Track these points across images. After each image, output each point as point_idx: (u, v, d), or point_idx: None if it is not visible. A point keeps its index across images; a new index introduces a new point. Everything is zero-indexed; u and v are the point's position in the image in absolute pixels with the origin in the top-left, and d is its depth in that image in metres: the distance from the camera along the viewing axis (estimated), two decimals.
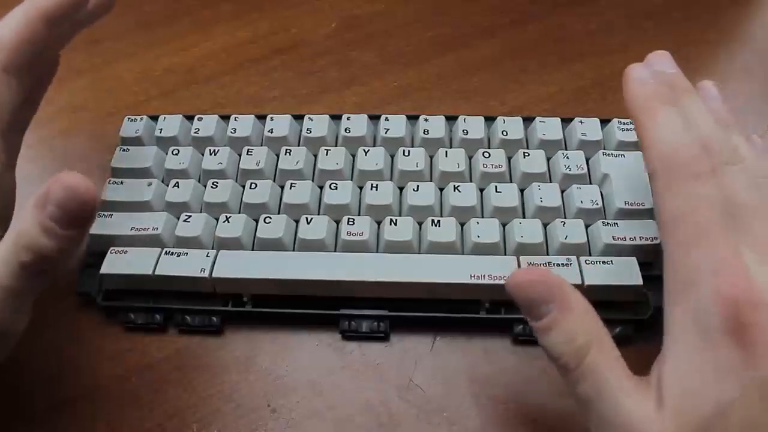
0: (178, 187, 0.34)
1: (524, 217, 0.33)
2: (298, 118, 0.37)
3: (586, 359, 0.23)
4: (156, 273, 0.31)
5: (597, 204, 0.33)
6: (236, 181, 0.35)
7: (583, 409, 0.24)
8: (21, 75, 0.27)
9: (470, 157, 0.36)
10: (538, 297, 0.24)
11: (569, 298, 0.24)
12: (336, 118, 0.37)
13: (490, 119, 0.37)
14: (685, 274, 0.23)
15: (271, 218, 0.33)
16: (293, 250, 0.32)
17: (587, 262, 0.31)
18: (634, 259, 0.31)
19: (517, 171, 0.35)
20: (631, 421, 0.22)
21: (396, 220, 0.33)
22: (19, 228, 0.22)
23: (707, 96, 0.27)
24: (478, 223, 0.32)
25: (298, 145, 0.36)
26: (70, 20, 0.29)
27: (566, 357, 0.23)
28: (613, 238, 0.31)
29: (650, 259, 0.31)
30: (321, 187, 0.34)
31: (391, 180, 0.35)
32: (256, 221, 0.33)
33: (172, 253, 0.32)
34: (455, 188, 0.34)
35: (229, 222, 0.33)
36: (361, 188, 0.34)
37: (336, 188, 0.34)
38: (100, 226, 0.33)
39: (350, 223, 0.32)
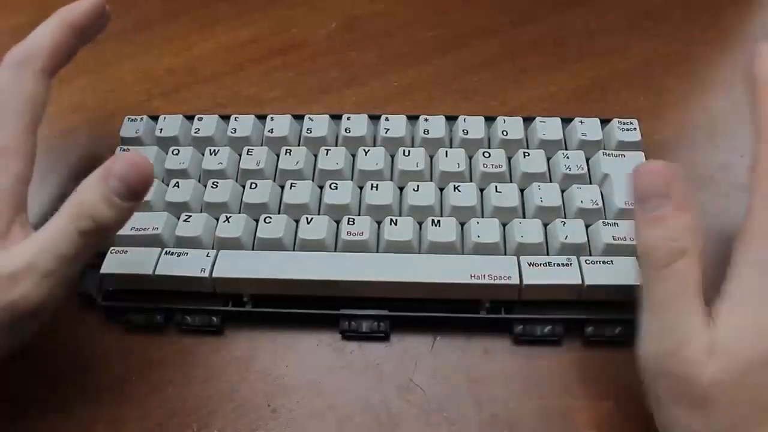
0: (178, 187, 0.34)
1: (524, 217, 0.33)
2: (298, 118, 0.37)
3: (676, 264, 0.23)
4: (156, 273, 0.31)
5: (597, 204, 0.33)
6: (236, 181, 0.35)
7: (646, 312, 0.24)
8: (52, 77, 0.31)
9: (470, 157, 0.36)
10: (659, 189, 0.24)
11: (686, 202, 0.24)
12: (336, 118, 0.37)
13: (490, 119, 0.37)
14: (763, 223, 0.23)
15: (271, 218, 0.33)
16: (293, 250, 0.32)
17: (587, 262, 0.31)
18: (634, 259, 0.31)
19: (517, 171, 0.35)
20: (690, 341, 0.23)
21: (396, 220, 0.33)
22: (80, 198, 0.25)
23: None
24: (478, 223, 0.32)
25: (299, 145, 0.36)
26: (92, 30, 0.33)
27: (662, 252, 0.24)
28: (613, 238, 0.31)
29: None
30: (321, 187, 0.34)
31: (391, 180, 0.35)
32: (256, 221, 0.33)
33: (172, 253, 0.32)
34: (455, 188, 0.34)
35: (229, 222, 0.33)
36: (361, 188, 0.34)
37: (336, 188, 0.34)
38: None
39: (350, 223, 0.32)
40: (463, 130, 0.36)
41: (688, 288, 0.23)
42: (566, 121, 0.37)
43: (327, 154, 0.35)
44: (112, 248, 0.32)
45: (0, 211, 0.26)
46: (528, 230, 0.32)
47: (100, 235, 0.26)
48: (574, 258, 0.31)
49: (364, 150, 0.35)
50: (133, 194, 0.26)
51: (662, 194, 0.24)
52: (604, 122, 0.36)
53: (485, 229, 0.32)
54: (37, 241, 0.25)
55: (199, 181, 0.35)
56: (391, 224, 0.32)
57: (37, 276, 0.24)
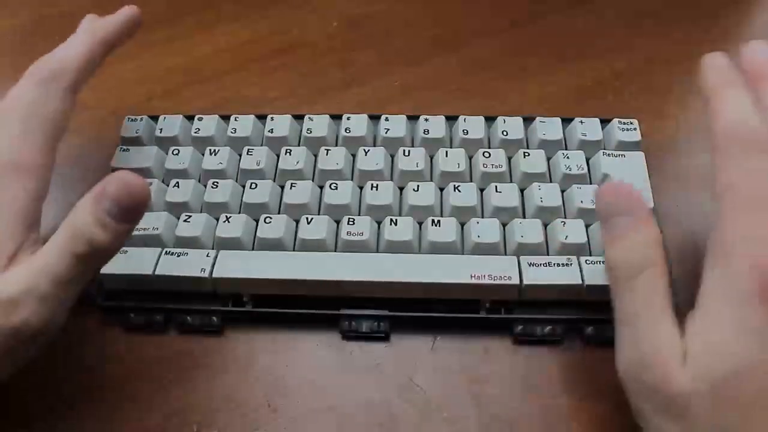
0: (178, 187, 0.34)
1: (524, 217, 0.33)
2: (299, 118, 0.37)
3: (642, 275, 0.24)
4: (156, 273, 0.31)
5: None
6: (236, 181, 0.35)
7: (619, 325, 0.25)
8: (78, 93, 0.31)
9: (470, 157, 0.36)
10: (619, 206, 0.26)
11: (646, 217, 0.26)
12: (336, 118, 0.37)
13: (490, 119, 0.37)
14: (729, 238, 0.23)
15: (271, 218, 0.33)
16: (293, 250, 0.32)
17: (587, 262, 0.31)
18: None
19: (517, 171, 0.35)
20: (660, 349, 0.23)
21: (396, 220, 0.33)
22: (74, 220, 0.24)
23: None
24: (478, 223, 0.32)
25: (299, 145, 0.36)
26: (122, 41, 0.33)
27: (627, 266, 0.25)
28: None
29: None
30: (321, 187, 0.34)
31: (391, 180, 0.35)
32: (257, 221, 0.33)
33: (172, 253, 0.32)
34: (455, 188, 0.34)
35: (229, 222, 0.33)
36: (361, 188, 0.34)
37: (336, 188, 0.34)
38: None
39: (350, 223, 0.32)
40: (463, 130, 0.36)
41: (654, 299, 0.24)
42: (566, 121, 0.37)
43: (327, 154, 0.35)
44: None
45: (12, 231, 0.26)
46: (528, 230, 0.32)
47: (98, 258, 0.25)
48: (574, 258, 0.31)
49: (364, 150, 0.35)
50: (129, 216, 0.24)
51: (623, 212, 0.26)
52: (604, 122, 0.36)
53: (485, 229, 0.32)
54: (34, 264, 0.24)
55: (199, 181, 0.35)
56: (391, 224, 0.32)
57: (35, 301, 0.24)
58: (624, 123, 0.36)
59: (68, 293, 0.25)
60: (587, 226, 0.32)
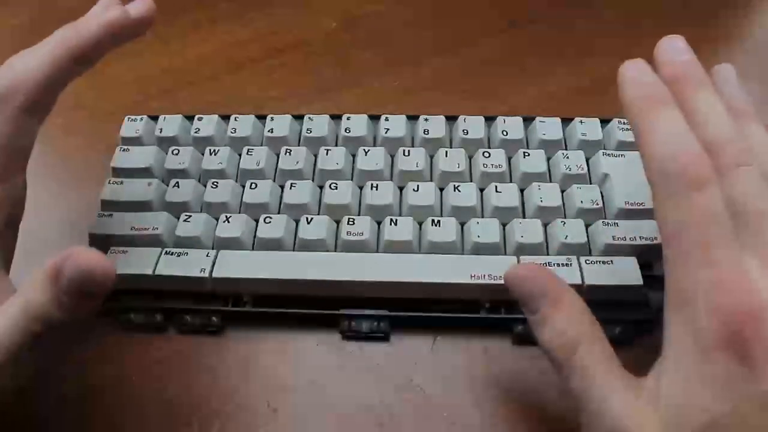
0: (178, 187, 0.34)
1: (524, 217, 0.33)
2: (298, 118, 0.37)
3: (576, 354, 0.24)
4: (156, 273, 0.31)
5: (597, 204, 0.33)
6: (236, 181, 0.35)
7: (575, 405, 0.24)
8: (42, 113, 0.27)
9: (470, 157, 0.36)
10: (532, 291, 0.25)
11: (561, 294, 0.25)
12: (336, 118, 0.37)
13: (490, 119, 0.37)
14: (685, 287, 0.22)
15: (271, 218, 0.33)
16: (293, 250, 0.32)
17: (587, 262, 0.31)
18: (634, 259, 0.31)
19: (517, 171, 0.35)
20: (619, 419, 0.22)
21: (396, 220, 0.33)
22: (30, 297, 0.22)
23: (724, 81, 0.26)
24: (478, 223, 0.32)
25: (298, 145, 0.36)
26: (102, 53, 0.27)
27: (557, 351, 0.24)
28: (613, 238, 0.31)
29: (650, 259, 0.31)
30: (321, 187, 0.34)
31: (391, 180, 0.35)
32: (256, 221, 0.33)
33: (172, 253, 0.32)
34: (455, 188, 0.34)
35: (229, 222, 0.33)
36: (361, 188, 0.34)
37: (336, 188, 0.34)
38: (100, 226, 0.33)
39: (350, 223, 0.32)
40: (463, 130, 0.36)
41: (598, 370, 0.23)
42: (566, 121, 0.37)
43: (327, 154, 0.35)
44: (112, 248, 0.32)
45: None
46: (528, 230, 0.32)
47: (56, 331, 0.22)
48: (574, 258, 0.31)
49: (364, 150, 0.35)
50: (89, 299, 0.22)
51: (539, 293, 0.25)
52: (604, 122, 0.36)
53: (485, 229, 0.32)
54: None
55: (199, 181, 0.35)
56: (391, 224, 0.32)
57: None
58: (624, 123, 0.36)
59: (23, 367, 0.23)
60: (587, 226, 0.32)
